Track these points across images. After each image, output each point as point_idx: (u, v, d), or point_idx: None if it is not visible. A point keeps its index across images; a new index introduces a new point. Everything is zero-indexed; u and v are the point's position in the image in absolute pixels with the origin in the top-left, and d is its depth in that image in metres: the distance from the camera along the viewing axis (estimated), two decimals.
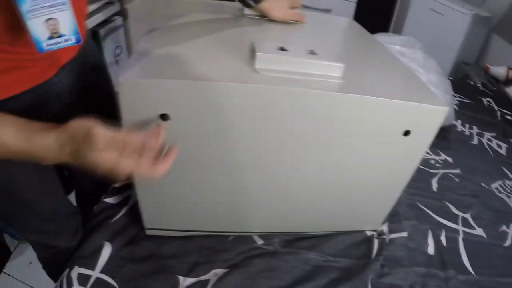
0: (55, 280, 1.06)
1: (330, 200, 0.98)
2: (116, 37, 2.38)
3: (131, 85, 0.68)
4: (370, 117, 0.79)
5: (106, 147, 0.58)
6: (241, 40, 0.92)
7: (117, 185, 1.12)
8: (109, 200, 1.08)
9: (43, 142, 0.60)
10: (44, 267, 1.24)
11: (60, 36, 0.64)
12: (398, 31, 3.66)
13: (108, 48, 2.30)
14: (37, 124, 0.62)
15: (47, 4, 0.60)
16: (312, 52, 0.81)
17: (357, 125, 0.80)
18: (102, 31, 2.17)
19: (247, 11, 1.10)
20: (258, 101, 0.73)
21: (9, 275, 1.66)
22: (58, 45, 0.65)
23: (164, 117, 0.71)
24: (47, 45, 0.64)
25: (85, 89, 0.96)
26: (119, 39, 2.42)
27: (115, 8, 2.29)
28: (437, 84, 1.62)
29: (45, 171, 0.93)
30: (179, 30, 0.95)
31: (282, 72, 0.76)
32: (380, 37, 1.84)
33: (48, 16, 0.61)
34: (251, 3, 1.06)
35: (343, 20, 1.30)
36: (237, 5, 1.12)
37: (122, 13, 2.40)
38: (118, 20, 2.36)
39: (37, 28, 0.61)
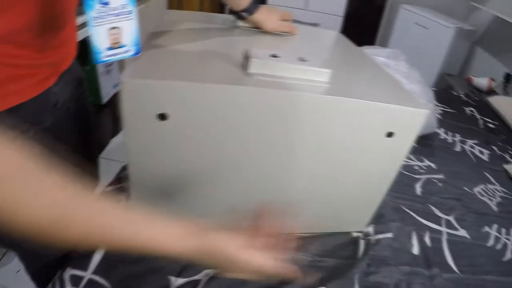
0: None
1: (317, 201, 1.01)
2: None
3: (132, 84, 0.70)
4: (355, 119, 0.84)
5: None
6: (235, 47, 0.96)
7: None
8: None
9: (176, 250, 0.58)
10: (33, 278, 1.19)
11: (120, 46, 0.64)
12: (384, 44, 3.75)
13: None
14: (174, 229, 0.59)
15: (114, 12, 0.60)
16: (302, 59, 0.86)
17: (343, 127, 0.85)
18: None
19: (240, 23, 1.14)
20: (251, 102, 0.77)
21: None
22: (116, 56, 0.65)
23: (162, 116, 0.75)
24: (105, 56, 0.63)
25: (74, 101, 0.95)
26: None
27: None
28: (420, 93, 1.67)
29: None
30: (178, 35, 0.99)
31: (274, 76, 0.81)
32: (366, 49, 1.90)
33: (113, 25, 0.61)
34: (244, 15, 1.10)
35: (331, 33, 1.36)
36: (231, 17, 1.16)
37: None
38: None
39: (100, 36, 0.60)
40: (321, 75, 0.84)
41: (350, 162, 0.92)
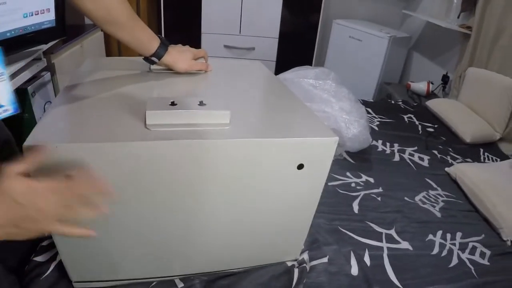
0: None
1: (244, 237, 1.01)
2: (45, 93, 2.38)
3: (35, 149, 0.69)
4: (259, 157, 0.84)
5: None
6: (141, 97, 0.96)
7: (44, 243, 1.12)
8: (39, 258, 1.08)
9: None
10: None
11: None
12: (321, 61, 3.84)
13: (38, 105, 2.28)
14: None
15: None
16: (201, 103, 0.86)
17: (250, 166, 0.85)
18: (30, 88, 2.17)
19: (153, 66, 1.14)
20: (151, 155, 0.77)
21: None
22: None
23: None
24: None
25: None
26: (48, 94, 2.41)
27: (42, 64, 2.30)
28: (350, 110, 1.71)
29: None
30: (89, 90, 0.99)
31: (172, 125, 0.81)
32: (295, 72, 1.93)
33: None
34: (154, 59, 1.10)
35: (250, 64, 1.37)
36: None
37: (50, 68, 2.41)
38: (46, 76, 2.37)
39: None
40: (221, 117, 0.84)
41: (267, 196, 0.93)
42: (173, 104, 0.84)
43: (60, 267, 1.04)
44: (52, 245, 1.12)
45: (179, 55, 1.13)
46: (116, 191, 0.77)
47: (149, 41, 1.08)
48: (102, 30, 1.05)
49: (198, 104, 0.86)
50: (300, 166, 0.88)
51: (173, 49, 1.13)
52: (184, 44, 1.17)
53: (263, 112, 1.00)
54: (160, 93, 1.04)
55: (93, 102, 0.91)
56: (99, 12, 0.99)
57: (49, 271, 1.04)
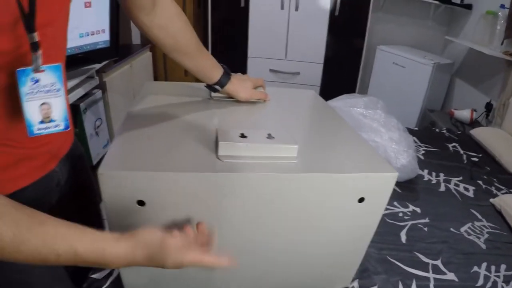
0: None
1: (298, 265, 1.05)
2: (96, 110, 2.49)
3: (109, 175, 0.77)
4: (325, 191, 0.88)
5: (181, 251, 0.70)
6: (207, 126, 1.01)
7: None
8: (95, 275, 1.15)
9: (116, 251, 0.67)
10: None
11: (51, 121, 0.69)
12: (364, 86, 3.86)
13: (89, 121, 2.39)
14: (106, 234, 0.69)
15: (45, 89, 0.66)
16: (269, 136, 0.90)
17: (314, 199, 0.89)
18: (82, 105, 2.28)
19: (214, 93, 1.19)
20: (221, 186, 0.82)
21: None
22: (48, 130, 0.70)
23: (141, 203, 0.80)
24: (38, 129, 0.68)
25: (74, 177, 1.03)
26: (99, 111, 2.53)
27: (94, 82, 2.40)
28: (399, 140, 1.75)
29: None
30: (153, 116, 1.04)
31: (243, 157, 0.85)
32: (343, 100, 1.99)
33: (43, 101, 0.67)
34: (217, 87, 1.15)
35: (305, 94, 1.40)
36: (202, 85, 1.21)
37: (101, 86, 2.52)
38: (98, 94, 2.48)
39: (31, 110, 0.66)
40: (289, 151, 0.88)
41: (326, 228, 0.97)
42: (243, 136, 0.88)
43: (116, 283, 1.11)
44: None
45: (240, 85, 1.18)
46: (182, 217, 0.85)
47: (213, 69, 1.13)
48: (169, 56, 1.09)
49: (267, 137, 0.89)
50: (361, 200, 0.91)
51: (234, 78, 1.17)
52: (230, 67, 1.19)
53: (326, 144, 1.03)
54: (225, 122, 1.09)
55: (160, 129, 0.96)
56: (167, 40, 1.04)
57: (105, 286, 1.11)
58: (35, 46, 0.64)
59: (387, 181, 0.92)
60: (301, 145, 0.89)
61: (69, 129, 0.74)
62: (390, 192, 0.94)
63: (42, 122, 0.68)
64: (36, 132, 0.68)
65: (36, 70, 0.65)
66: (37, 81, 0.65)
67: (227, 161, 0.84)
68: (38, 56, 0.64)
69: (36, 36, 0.63)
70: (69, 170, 0.99)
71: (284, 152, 0.88)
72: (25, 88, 0.64)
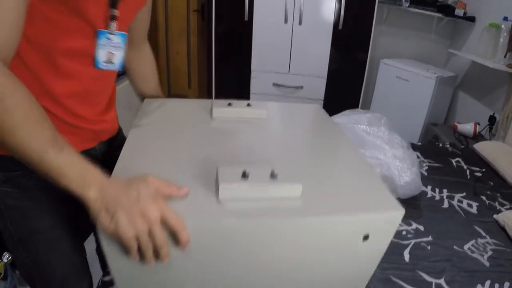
0: None
1: None
2: None
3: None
4: (330, 232, 0.86)
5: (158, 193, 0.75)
6: (207, 157, 0.98)
7: None
8: (106, 278, 1.20)
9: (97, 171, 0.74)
10: None
11: (111, 63, 0.98)
12: (368, 100, 3.87)
13: None
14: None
15: (112, 44, 0.96)
16: (272, 174, 0.85)
17: (317, 239, 0.87)
18: None
19: (214, 114, 1.17)
20: (221, 230, 0.80)
21: None
22: (109, 66, 0.98)
23: None
24: (102, 65, 0.96)
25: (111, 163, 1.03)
26: None
27: None
28: (403, 157, 1.76)
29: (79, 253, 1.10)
30: (150, 147, 1.01)
31: (244, 199, 0.81)
32: (347, 116, 2.00)
33: (110, 50, 0.96)
34: None
35: (310, 109, 1.37)
36: (203, 103, 1.23)
37: None
38: None
39: (101, 54, 0.95)
40: (293, 191, 0.85)
41: (330, 264, 0.95)
42: (244, 175, 0.83)
43: None
44: None
45: None
46: (182, 259, 0.81)
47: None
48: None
49: (270, 176, 0.84)
50: (366, 237, 0.88)
51: None
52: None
53: (331, 175, 0.99)
54: (227, 150, 1.05)
55: (158, 164, 0.94)
56: (136, 73, 1.32)
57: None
58: (113, 18, 0.92)
59: (394, 218, 0.89)
60: (305, 177, 0.87)
61: (122, 70, 1.06)
62: (396, 228, 0.91)
63: (106, 62, 0.96)
64: (101, 66, 0.96)
65: (110, 33, 0.94)
66: (109, 39, 0.95)
67: (228, 204, 0.81)
68: (113, 24, 0.93)
69: (116, 12, 0.92)
70: (107, 151, 1.14)
71: (288, 192, 0.84)
72: (101, 41, 0.93)
